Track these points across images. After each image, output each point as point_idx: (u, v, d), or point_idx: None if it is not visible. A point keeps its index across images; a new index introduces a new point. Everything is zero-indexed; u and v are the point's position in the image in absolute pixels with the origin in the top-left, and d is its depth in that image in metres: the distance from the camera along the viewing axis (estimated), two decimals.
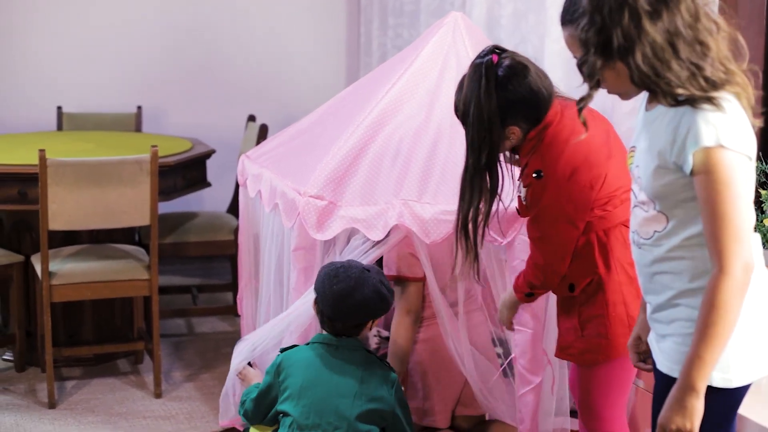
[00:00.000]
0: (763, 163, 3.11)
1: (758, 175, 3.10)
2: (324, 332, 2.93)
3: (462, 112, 2.63)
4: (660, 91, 1.98)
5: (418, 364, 3.43)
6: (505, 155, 2.72)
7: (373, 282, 2.88)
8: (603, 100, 3.90)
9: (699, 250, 2.03)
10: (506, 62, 2.59)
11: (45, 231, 3.97)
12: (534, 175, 2.58)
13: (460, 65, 3.44)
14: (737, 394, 2.09)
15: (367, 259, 3.17)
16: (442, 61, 3.47)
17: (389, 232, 3.13)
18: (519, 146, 2.66)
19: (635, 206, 2.16)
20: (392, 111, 3.35)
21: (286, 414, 2.83)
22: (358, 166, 3.23)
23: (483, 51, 2.64)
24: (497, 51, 2.63)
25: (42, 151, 3.90)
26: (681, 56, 1.96)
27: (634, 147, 2.17)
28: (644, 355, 2.38)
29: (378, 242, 3.19)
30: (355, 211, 3.12)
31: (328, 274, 2.90)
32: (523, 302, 2.84)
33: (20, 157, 4.44)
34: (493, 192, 2.65)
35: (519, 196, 2.70)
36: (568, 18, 2.13)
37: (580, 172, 2.56)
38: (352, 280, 2.86)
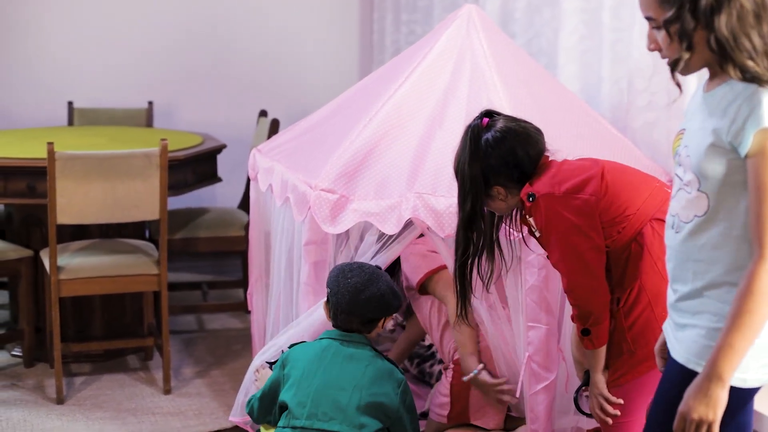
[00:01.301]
0: None
1: None
2: (332, 329, 2.91)
3: (454, 169, 2.74)
4: (732, 61, 1.94)
5: (459, 381, 3.38)
6: (510, 218, 2.79)
7: (386, 279, 2.93)
8: (620, 93, 3.86)
9: (738, 243, 1.98)
10: (495, 126, 2.66)
11: (53, 225, 3.93)
12: (528, 199, 2.59)
13: (475, 58, 3.40)
14: (747, 395, 2.05)
15: (382, 258, 3.14)
16: (456, 54, 3.43)
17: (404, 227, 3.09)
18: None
19: (679, 189, 2.10)
20: (405, 105, 3.31)
21: (285, 406, 2.80)
22: (370, 160, 3.19)
23: (479, 114, 2.73)
24: (490, 114, 2.71)
25: (50, 144, 3.86)
26: (763, 30, 1.94)
27: (683, 130, 2.12)
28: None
29: (393, 238, 3.15)
30: (368, 204, 3.09)
31: (342, 269, 2.95)
32: (588, 347, 2.63)
33: (29, 150, 4.41)
34: (478, 244, 2.74)
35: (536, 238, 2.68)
36: None
37: (569, 180, 2.55)
38: (366, 274, 2.91)
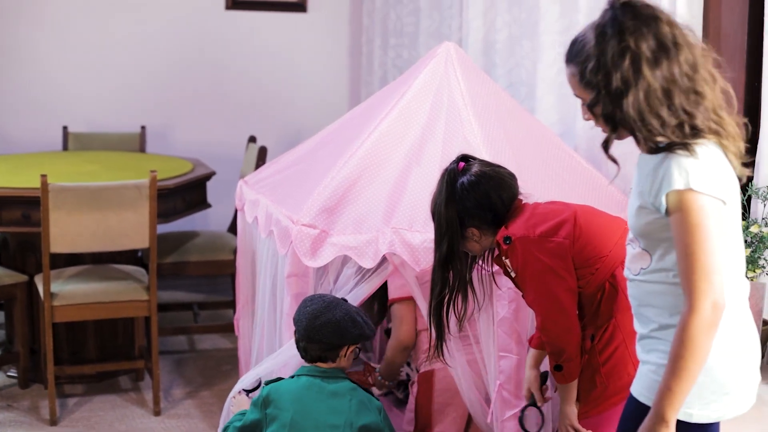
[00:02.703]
0: (741, 195, 3.18)
1: None
2: (307, 365, 3.01)
3: (431, 211, 2.83)
4: (641, 137, 2.07)
5: (422, 396, 3.54)
6: (482, 259, 2.89)
7: (346, 307, 3.02)
8: (594, 126, 3.98)
9: (679, 289, 2.10)
10: (470, 170, 2.77)
11: (47, 254, 4.07)
12: (505, 242, 2.69)
13: (452, 96, 3.51)
14: (700, 430, 2.16)
15: (360, 292, 3.26)
16: (434, 92, 3.54)
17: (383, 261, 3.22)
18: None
19: (628, 243, 2.26)
20: (384, 142, 3.43)
21: None
22: (350, 195, 3.30)
23: (455, 158, 2.83)
24: (466, 159, 2.82)
25: (44, 176, 3.99)
26: (674, 103, 2.06)
27: (632, 188, 2.27)
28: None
29: (371, 271, 3.28)
30: (347, 239, 3.20)
31: (304, 300, 3.06)
32: (560, 382, 2.75)
33: (24, 180, 4.53)
34: (454, 284, 2.82)
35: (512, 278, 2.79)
36: (572, 57, 2.20)
37: (543, 223, 2.67)
38: (324, 302, 3.01)
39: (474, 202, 2.73)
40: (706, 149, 2.06)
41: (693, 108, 2.07)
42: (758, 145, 3.21)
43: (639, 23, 2.08)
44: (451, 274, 2.82)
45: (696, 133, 2.06)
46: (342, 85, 6.71)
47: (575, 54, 2.18)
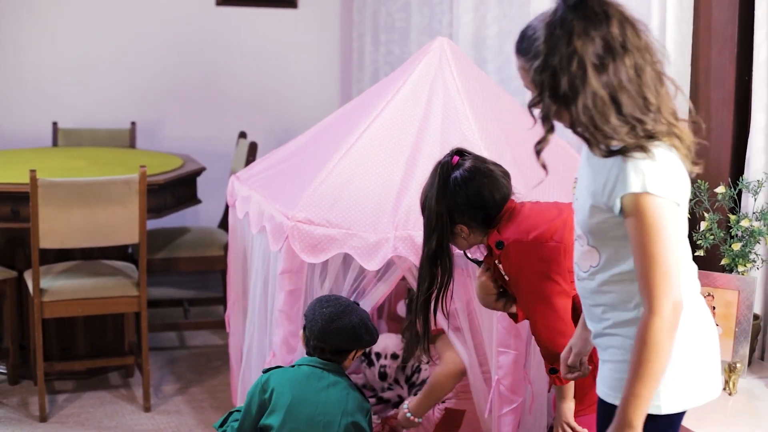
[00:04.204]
0: (732, 190, 3.19)
1: (727, 200, 3.18)
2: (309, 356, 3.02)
3: (421, 203, 2.79)
4: (594, 142, 2.02)
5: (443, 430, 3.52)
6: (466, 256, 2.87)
7: (361, 313, 3.02)
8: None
9: (628, 285, 2.11)
10: (464, 165, 2.72)
11: (36, 250, 4.05)
12: (498, 247, 2.67)
13: (447, 91, 3.50)
14: (668, 421, 2.15)
15: (367, 296, 3.27)
16: (429, 86, 3.53)
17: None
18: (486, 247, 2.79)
19: (576, 240, 2.24)
20: (380, 137, 3.42)
21: (269, 429, 2.90)
22: (347, 192, 3.28)
23: (450, 151, 2.78)
24: (461, 153, 2.77)
25: (33, 171, 3.97)
26: (623, 111, 2.00)
27: (576, 178, 2.26)
28: (573, 369, 2.49)
29: (377, 276, 3.26)
30: (345, 234, 3.18)
31: (320, 300, 3.06)
32: (556, 384, 2.75)
33: (13, 175, 4.51)
34: (442, 280, 2.77)
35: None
36: (523, 50, 2.12)
37: (536, 228, 2.64)
38: (341, 306, 3.01)
39: (465, 198, 2.69)
40: (662, 151, 2.03)
41: (642, 114, 2.01)
42: (749, 139, 3.21)
43: (588, 25, 1.99)
44: (439, 270, 2.77)
45: (650, 135, 2.02)
46: (333, 81, 6.70)
47: (525, 47, 2.10)
